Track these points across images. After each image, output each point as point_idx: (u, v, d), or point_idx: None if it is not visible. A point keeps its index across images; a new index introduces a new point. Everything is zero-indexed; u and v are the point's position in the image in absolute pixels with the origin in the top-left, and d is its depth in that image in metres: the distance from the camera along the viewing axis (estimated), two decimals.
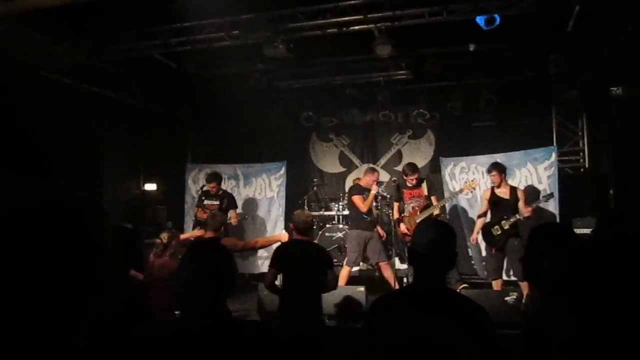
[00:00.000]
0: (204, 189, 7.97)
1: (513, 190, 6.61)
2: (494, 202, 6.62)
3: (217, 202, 7.68)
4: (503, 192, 6.58)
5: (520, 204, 6.44)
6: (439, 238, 2.18)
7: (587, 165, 8.72)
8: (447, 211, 8.10)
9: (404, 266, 7.48)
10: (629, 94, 6.53)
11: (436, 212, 6.92)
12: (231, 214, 7.61)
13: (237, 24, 6.24)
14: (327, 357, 4.11)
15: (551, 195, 6.90)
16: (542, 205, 7.11)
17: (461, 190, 7.42)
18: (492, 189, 6.69)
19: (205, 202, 7.77)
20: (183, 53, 7.11)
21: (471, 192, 7.32)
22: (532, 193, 7.37)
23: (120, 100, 8.25)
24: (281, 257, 4.57)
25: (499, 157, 7.97)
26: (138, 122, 8.86)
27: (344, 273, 6.86)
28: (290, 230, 5.09)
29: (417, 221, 6.85)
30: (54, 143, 6.87)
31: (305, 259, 4.49)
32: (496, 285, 6.55)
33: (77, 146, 7.44)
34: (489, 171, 6.77)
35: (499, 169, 6.65)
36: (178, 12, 6.03)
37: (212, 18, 6.26)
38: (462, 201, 8.17)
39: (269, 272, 4.56)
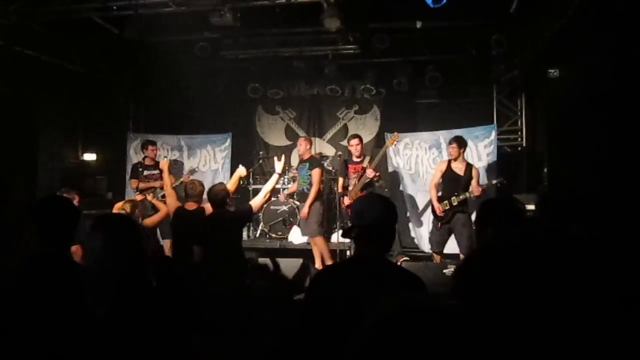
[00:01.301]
0: (139, 160, 7.95)
1: (468, 167, 6.67)
2: (448, 176, 6.66)
3: (157, 171, 7.59)
4: (458, 168, 6.64)
5: (474, 182, 6.56)
6: (382, 213, 2.24)
7: (524, 144, 9.05)
8: (389, 185, 8.25)
9: (347, 240, 7.58)
10: (565, 75, 6.78)
11: (370, 175, 6.86)
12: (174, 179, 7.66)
13: None
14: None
15: (504, 182, 6.92)
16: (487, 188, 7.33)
17: (387, 145, 7.47)
18: (449, 162, 6.73)
19: (145, 172, 7.66)
20: (125, 18, 6.81)
21: (394, 145, 7.43)
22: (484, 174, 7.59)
23: (57, 65, 7.85)
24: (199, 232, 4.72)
25: (442, 134, 8.19)
26: (76, 89, 8.48)
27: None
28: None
29: (358, 192, 6.94)
30: None
31: (222, 227, 4.62)
32: (437, 258, 6.76)
33: (9, 112, 7.09)
34: (449, 142, 6.79)
35: (459, 142, 6.69)
36: None
37: None
38: (405, 176, 8.35)
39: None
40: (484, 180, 7.12)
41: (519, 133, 9.17)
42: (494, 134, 8.03)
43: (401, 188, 8.38)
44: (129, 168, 9.12)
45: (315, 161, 7.27)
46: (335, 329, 2.11)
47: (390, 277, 2.19)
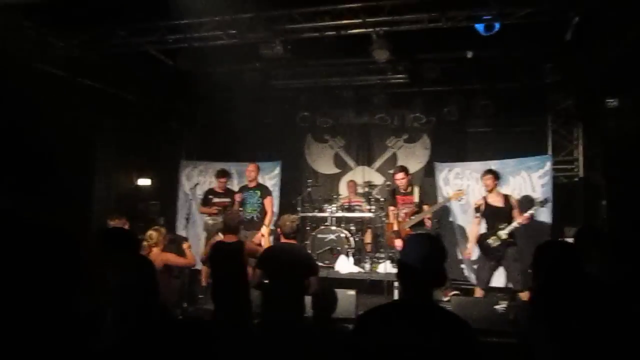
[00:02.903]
0: (209, 187, 8.07)
1: (506, 198, 6.56)
2: (488, 211, 6.53)
3: (227, 200, 7.72)
4: (496, 200, 6.52)
5: (515, 212, 6.42)
6: (430, 254, 2.17)
7: (581, 175, 8.72)
8: (439, 217, 8.08)
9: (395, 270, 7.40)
10: (624, 105, 6.53)
11: (427, 216, 6.89)
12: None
13: (235, 23, 6.18)
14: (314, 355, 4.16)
15: (546, 201, 6.84)
16: (535, 212, 7.12)
17: (449, 199, 7.41)
18: (485, 198, 6.63)
19: (215, 200, 7.82)
20: (179, 49, 7.05)
21: (459, 200, 7.30)
22: (526, 201, 7.38)
23: (114, 94, 8.19)
24: (267, 259, 4.69)
25: (494, 164, 7.97)
26: (132, 117, 8.79)
27: None
28: (277, 234, 5.08)
29: (406, 227, 6.88)
30: (45, 136, 6.81)
31: (290, 263, 4.57)
32: (479, 292, 6.57)
33: (70, 139, 7.38)
34: (484, 174, 6.69)
35: (493, 174, 6.62)
36: (175, 8, 5.98)
37: (209, 16, 6.20)
38: (455, 207, 8.17)
39: (255, 272, 4.67)
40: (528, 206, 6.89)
41: (575, 163, 8.85)
42: (548, 165, 7.77)
43: (451, 219, 8.20)
44: (181, 194, 9.34)
45: (266, 189, 7.33)
46: None
47: (438, 322, 2.12)
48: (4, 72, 5.99)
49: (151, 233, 5.30)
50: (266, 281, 4.64)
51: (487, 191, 6.61)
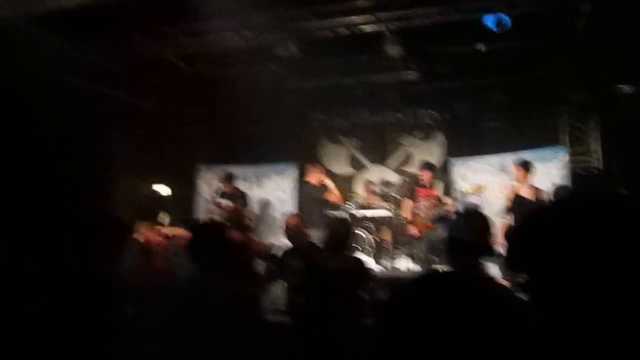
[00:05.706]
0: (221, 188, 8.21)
1: (538, 192, 6.37)
2: (517, 202, 6.37)
3: (231, 202, 7.84)
4: (527, 193, 6.36)
5: None
6: (473, 226, 2.28)
7: (599, 166, 8.66)
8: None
9: (417, 266, 7.31)
10: (638, 91, 6.49)
11: (449, 209, 6.85)
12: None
13: (249, 25, 6.28)
14: None
15: None
16: None
17: (469, 192, 7.36)
18: (515, 189, 6.48)
19: (220, 200, 7.96)
20: (194, 54, 7.16)
21: (479, 195, 7.24)
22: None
23: (131, 101, 8.31)
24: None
25: (509, 157, 7.96)
26: (150, 124, 8.89)
27: None
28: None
29: (425, 222, 6.85)
30: (65, 143, 6.90)
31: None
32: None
33: (89, 147, 7.48)
34: (514, 165, 6.61)
35: (525, 165, 6.49)
36: (189, 13, 6.08)
37: (223, 19, 6.30)
38: (473, 202, 8.13)
39: None
40: None
41: (593, 155, 8.78)
42: (564, 156, 7.73)
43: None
44: (200, 199, 9.44)
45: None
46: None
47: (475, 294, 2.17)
48: (24, 81, 6.12)
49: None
50: None
51: (519, 183, 6.47)
